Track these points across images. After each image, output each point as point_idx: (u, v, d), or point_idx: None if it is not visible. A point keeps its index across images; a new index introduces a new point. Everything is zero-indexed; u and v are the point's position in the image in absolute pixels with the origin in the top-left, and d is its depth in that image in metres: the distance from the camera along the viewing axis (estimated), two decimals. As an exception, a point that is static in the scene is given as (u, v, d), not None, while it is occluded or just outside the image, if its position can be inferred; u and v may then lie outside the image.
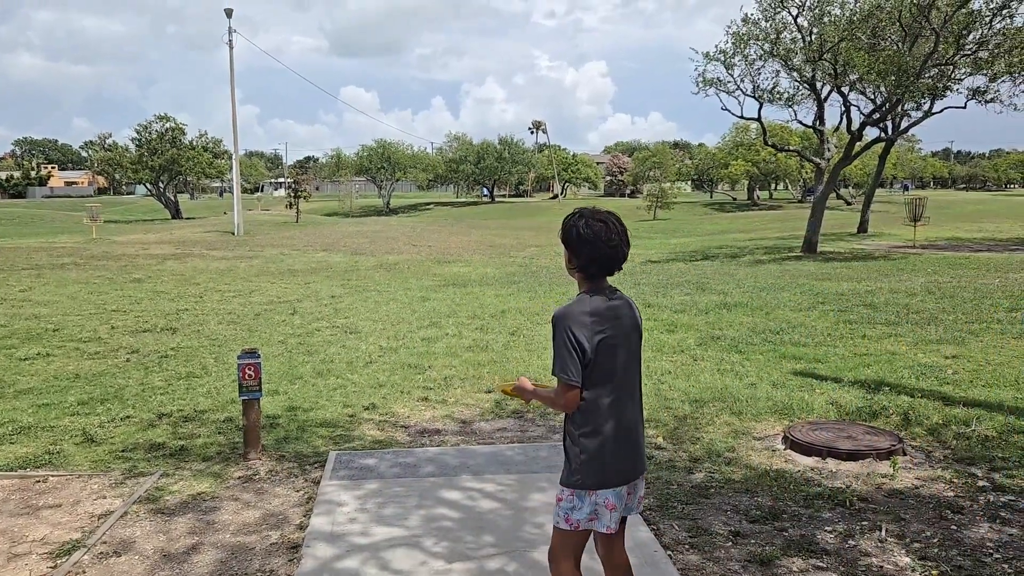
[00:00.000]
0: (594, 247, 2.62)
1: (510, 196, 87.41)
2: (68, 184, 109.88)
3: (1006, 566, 3.71)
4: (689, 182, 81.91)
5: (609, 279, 2.76)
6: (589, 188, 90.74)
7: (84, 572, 3.78)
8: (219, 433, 5.91)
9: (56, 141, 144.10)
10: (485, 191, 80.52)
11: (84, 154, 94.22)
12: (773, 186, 75.83)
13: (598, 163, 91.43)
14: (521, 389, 2.84)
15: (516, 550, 3.88)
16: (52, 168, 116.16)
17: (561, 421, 6.07)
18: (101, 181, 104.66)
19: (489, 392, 7.02)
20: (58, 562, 3.89)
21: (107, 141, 57.94)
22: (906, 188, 78.46)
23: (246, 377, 5.15)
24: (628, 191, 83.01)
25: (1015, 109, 20.51)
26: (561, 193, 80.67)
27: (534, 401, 2.84)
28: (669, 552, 3.88)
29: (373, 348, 9.00)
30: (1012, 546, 3.90)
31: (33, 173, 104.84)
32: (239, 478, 5.01)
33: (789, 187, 71.50)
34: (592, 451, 2.62)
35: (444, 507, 4.44)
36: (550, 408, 2.86)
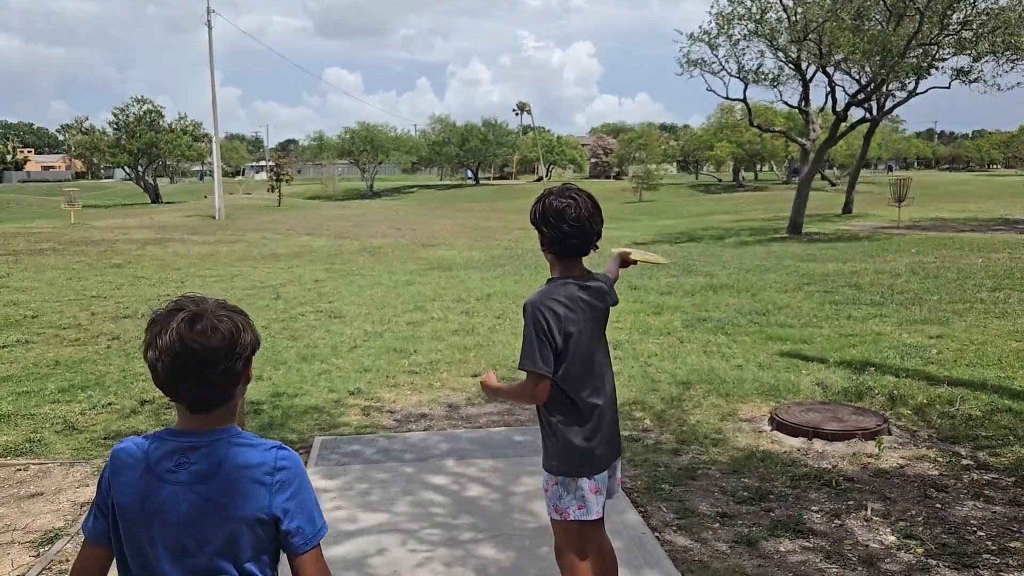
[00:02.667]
0: (562, 226, 2.50)
1: (495, 179, 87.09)
2: (45, 168, 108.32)
3: (989, 543, 3.74)
4: (674, 164, 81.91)
5: (585, 260, 2.66)
6: (574, 170, 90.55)
7: (68, 560, 3.73)
8: (202, 419, 5.84)
9: (32, 125, 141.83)
10: (469, 174, 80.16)
11: (61, 138, 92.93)
12: (758, 167, 75.99)
13: (583, 145, 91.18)
14: (486, 386, 2.73)
15: (503, 534, 3.87)
16: (28, 152, 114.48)
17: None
18: (79, 165, 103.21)
19: (475, 376, 6.99)
20: (41, 551, 3.83)
21: (84, 124, 56.98)
22: (890, 169, 78.87)
23: (229, 363, 5.08)
24: (613, 173, 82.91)
25: (998, 89, 20.61)
26: (546, 175, 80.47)
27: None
28: (657, 534, 3.87)
29: (358, 332, 8.93)
30: (995, 523, 3.93)
31: (9, 157, 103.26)
32: (223, 465, 4.96)
33: (774, 168, 71.69)
34: (570, 439, 2.56)
35: (430, 492, 4.42)
36: (518, 403, 2.80)
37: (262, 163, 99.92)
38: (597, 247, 2.61)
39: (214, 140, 38.19)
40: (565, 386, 2.54)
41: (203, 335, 1.55)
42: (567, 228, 2.50)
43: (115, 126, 53.93)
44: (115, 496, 1.60)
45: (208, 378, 1.57)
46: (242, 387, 1.66)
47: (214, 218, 32.90)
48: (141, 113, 53.57)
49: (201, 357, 1.55)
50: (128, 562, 1.62)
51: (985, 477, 4.52)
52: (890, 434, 5.21)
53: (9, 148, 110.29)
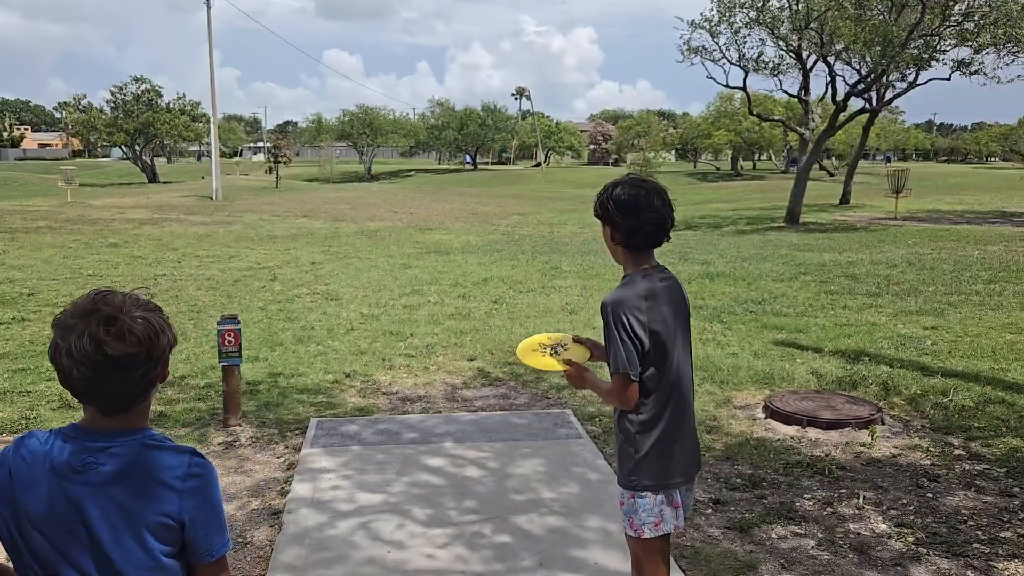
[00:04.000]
0: (636, 213, 2.35)
1: (493, 164, 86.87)
2: (42, 146, 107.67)
3: (980, 533, 3.77)
4: (673, 152, 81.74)
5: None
6: (572, 156, 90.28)
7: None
8: (199, 399, 5.86)
9: (29, 102, 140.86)
10: (468, 158, 79.90)
11: (58, 115, 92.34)
12: (757, 156, 75.86)
13: (582, 131, 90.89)
14: (577, 376, 2.51)
15: (498, 516, 3.89)
16: (25, 129, 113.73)
17: (545, 389, 6.07)
18: (76, 143, 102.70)
19: (472, 360, 7.00)
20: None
21: (82, 103, 56.50)
22: (888, 160, 78.80)
23: (226, 343, 5.09)
24: (612, 160, 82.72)
25: (998, 82, 20.56)
26: (544, 161, 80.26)
27: (589, 385, 2.52)
28: (650, 519, 3.90)
29: (354, 315, 8.94)
30: (986, 513, 3.97)
31: (5, 134, 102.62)
32: (220, 444, 4.97)
33: (772, 157, 71.56)
34: (649, 448, 2.38)
35: (427, 473, 4.44)
36: (607, 402, 2.58)
37: (260, 144, 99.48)
38: (671, 237, 2.46)
39: (212, 120, 37.98)
40: (649, 389, 2.39)
41: (121, 340, 1.45)
42: (648, 215, 2.36)
43: (113, 105, 53.48)
44: (15, 495, 1.49)
45: (125, 384, 1.49)
46: (157, 386, 1.59)
47: (211, 199, 32.78)
48: (139, 92, 53.11)
49: (120, 364, 1.46)
50: (28, 563, 1.52)
51: (977, 467, 4.55)
52: (883, 423, 5.24)
53: (6, 125, 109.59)
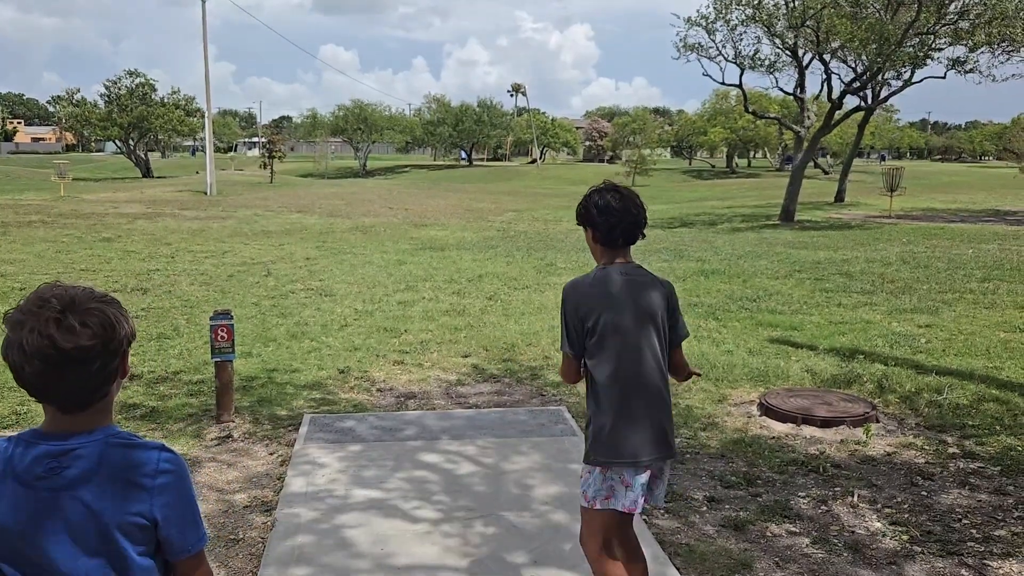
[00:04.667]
0: (613, 214, 2.61)
1: (488, 160, 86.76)
2: (35, 140, 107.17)
3: (974, 531, 3.77)
4: (668, 149, 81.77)
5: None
6: (568, 153, 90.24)
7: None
8: (192, 395, 5.83)
9: (22, 95, 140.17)
10: (463, 154, 79.80)
11: (52, 109, 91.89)
12: (751, 154, 75.96)
13: (577, 128, 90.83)
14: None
15: (493, 513, 3.88)
16: (18, 123, 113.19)
17: (540, 386, 6.06)
18: (69, 137, 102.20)
19: (466, 357, 6.98)
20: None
21: (75, 96, 56.23)
22: (883, 158, 78.98)
23: (219, 338, 5.06)
24: (607, 157, 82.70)
25: (993, 80, 20.60)
26: (540, 158, 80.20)
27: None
28: (644, 517, 3.89)
29: (348, 311, 8.91)
30: (981, 512, 3.97)
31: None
32: (213, 440, 4.95)
33: (767, 155, 71.65)
34: (600, 427, 2.58)
35: (421, 470, 4.42)
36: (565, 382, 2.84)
37: (255, 139, 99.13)
38: (644, 235, 2.69)
39: (207, 115, 37.82)
40: (597, 372, 2.58)
41: (73, 333, 1.39)
42: (620, 217, 2.61)
43: (107, 99, 53.25)
44: None
45: (82, 379, 1.42)
46: (118, 382, 1.52)
47: (205, 194, 32.66)
48: (133, 86, 52.88)
49: (74, 358, 1.39)
50: (1, 568, 1.48)
51: (971, 466, 4.55)
52: (878, 421, 5.24)
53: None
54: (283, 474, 4.40)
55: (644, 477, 2.59)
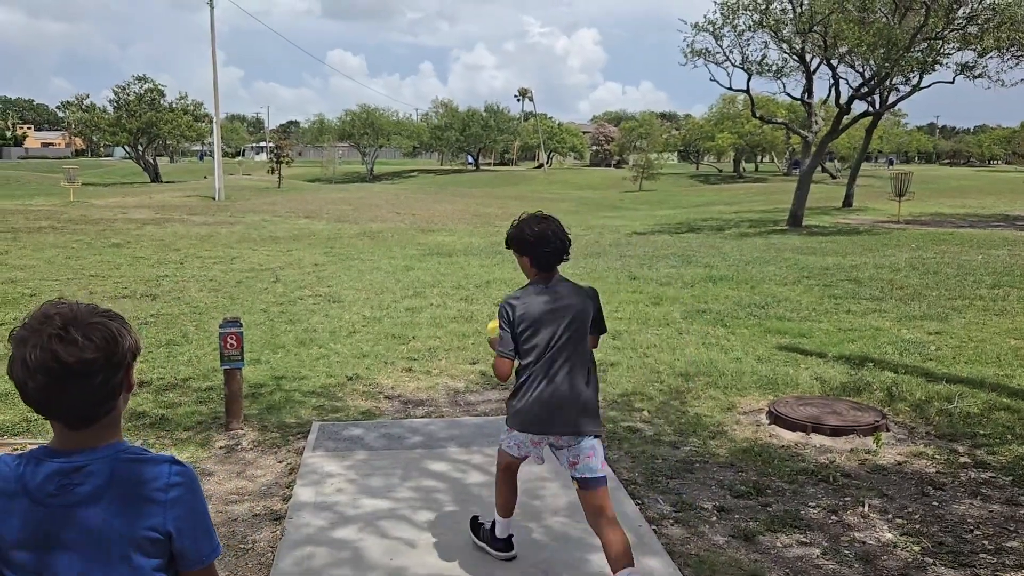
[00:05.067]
0: (544, 243, 3.11)
1: (495, 165, 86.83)
2: (44, 145, 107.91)
3: (986, 542, 3.74)
4: (675, 153, 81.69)
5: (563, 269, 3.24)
6: (575, 158, 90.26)
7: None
8: (201, 402, 5.84)
9: (32, 101, 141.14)
10: (470, 159, 79.93)
11: (61, 115, 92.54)
12: (759, 158, 75.83)
13: (584, 132, 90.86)
14: (492, 342, 3.35)
15: (502, 524, 3.86)
16: (28, 128, 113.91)
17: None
18: (78, 143, 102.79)
19: (474, 363, 6.98)
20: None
21: (85, 102, 56.59)
22: (891, 163, 78.73)
23: (228, 346, 5.08)
24: (614, 161, 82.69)
25: (1002, 85, 20.55)
26: (547, 162, 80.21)
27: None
28: (654, 527, 3.88)
29: (356, 317, 8.92)
30: (993, 522, 3.94)
31: (8, 133, 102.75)
32: (222, 448, 4.95)
33: (775, 160, 71.54)
34: (517, 404, 3.19)
35: (430, 479, 4.42)
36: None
37: (262, 144, 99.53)
38: (569, 256, 3.18)
39: (215, 120, 38.00)
40: (524, 365, 3.16)
41: (76, 347, 1.40)
42: (549, 245, 3.11)
43: (115, 104, 53.59)
44: None
45: (86, 393, 1.43)
46: (124, 396, 1.53)
47: (214, 199, 32.79)
48: (142, 92, 53.22)
49: (77, 371, 1.40)
50: None
51: (983, 475, 4.52)
52: (888, 430, 5.22)
53: (8, 124, 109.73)
54: (292, 482, 4.40)
55: (539, 442, 3.22)
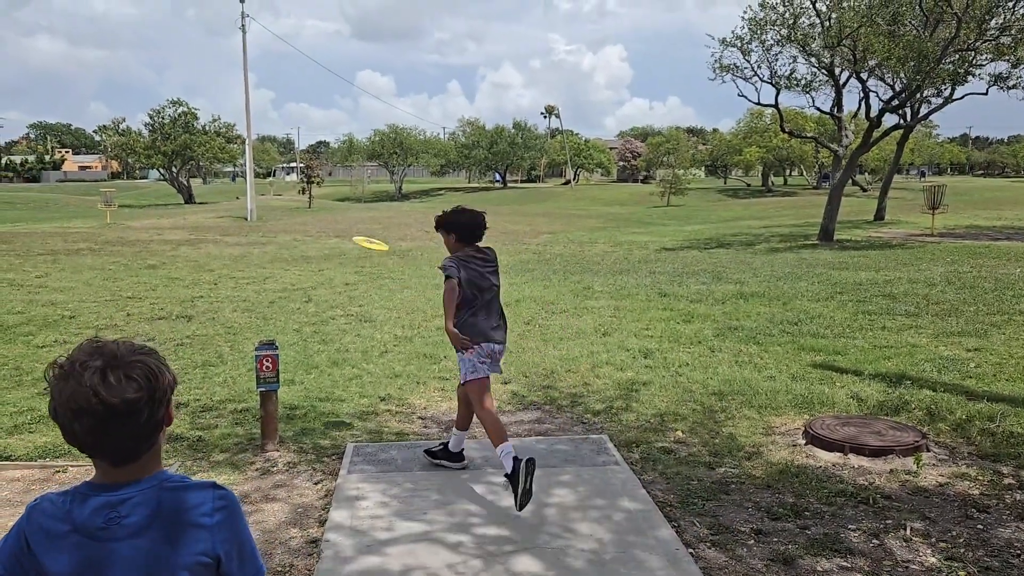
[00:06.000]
0: (471, 225, 4.62)
1: (522, 182, 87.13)
2: (82, 168, 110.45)
3: (1035, 567, 3.65)
4: (703, 168, 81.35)
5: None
6: (602, 174, 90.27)
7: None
8: (236, 424, 5.91)
9: (70, 125, 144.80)
10: (497, 176, 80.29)
11: (98, 138, 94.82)
12: (788, 172, 75.20)
13: (611, 148, 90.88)
14: (449, 332, 4.59)
15: (536, 546, 3.86)
16: (66, 152, 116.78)
17: (581, 413, 6.03)
18: (115, 165, 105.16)
19: (506, 384, 6.99)
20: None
21: (121, 126, 58.03)
22: (923, 174, 77.66)
23: (264, 369, 5.14)
24: (641, 177, 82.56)
25: (1037, 95, 20.18)
26: (574, 179, 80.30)
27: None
28: (691, 550, 3.84)
29: (388, 337, 8.98)
30: (1041, 547, 3.84)
31: (47, 157, 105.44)
32: (257, 470, 5.00)
33: (804, 173, 70.87)
34: (471, 325, 4.56)
35: (465, 501, 4.42)
36: (449, 306, 4.49)
37: (293, 164, 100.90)
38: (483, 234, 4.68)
39: (247, 142, 38.65)
40: (468, 306, 4.52)
41: (119, 387, 1.43)
42: (475, 223, 4.65)
43: (151, 128, 54.85)
44: (38, 561, 1.48)
45: (130, 432, 1.46)
46: (164, 431, 1.56)
47: (246, 219, 33.30)
48: (176, 115, 54.45)
49: (121, 412, 1.43)
50: None
51: (1028, 498, 4.41)
52: (929, 450, 5.12)
53: (48, 148, 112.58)
54: (327, 505, 4.43)
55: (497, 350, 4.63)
